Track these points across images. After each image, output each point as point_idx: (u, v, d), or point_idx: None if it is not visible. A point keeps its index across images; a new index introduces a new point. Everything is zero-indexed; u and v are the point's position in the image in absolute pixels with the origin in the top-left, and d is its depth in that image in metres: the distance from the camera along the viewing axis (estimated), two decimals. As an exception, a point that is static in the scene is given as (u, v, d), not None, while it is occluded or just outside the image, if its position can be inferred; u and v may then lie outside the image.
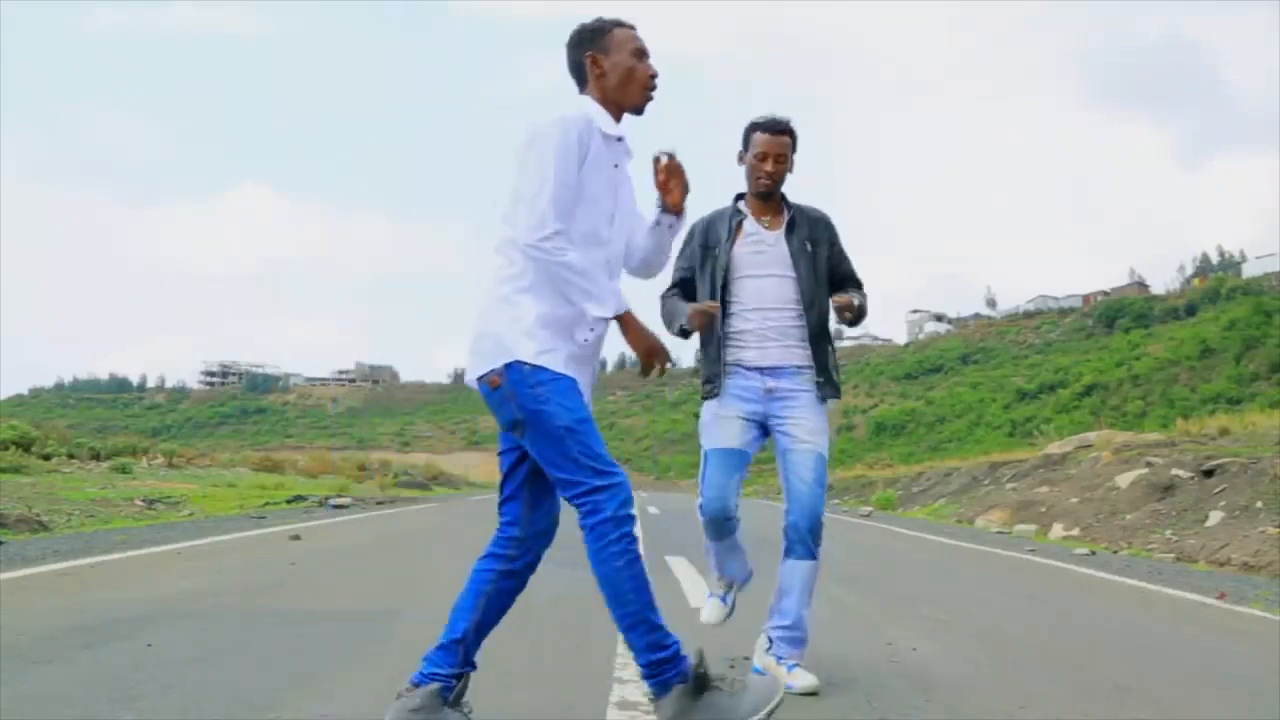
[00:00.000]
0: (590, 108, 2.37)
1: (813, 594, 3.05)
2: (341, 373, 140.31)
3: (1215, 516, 9.74)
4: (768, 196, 3.13)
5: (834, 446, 3.25)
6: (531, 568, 2.44)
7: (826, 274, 3.14)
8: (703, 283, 3.13)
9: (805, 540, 2.99)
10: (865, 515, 16.81)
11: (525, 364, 2.23)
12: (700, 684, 2.22)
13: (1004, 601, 5.70)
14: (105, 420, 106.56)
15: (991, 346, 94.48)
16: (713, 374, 3.10)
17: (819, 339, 3.08)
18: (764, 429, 3.10)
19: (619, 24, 2.45)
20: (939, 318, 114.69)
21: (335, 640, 3.46)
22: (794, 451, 3.02)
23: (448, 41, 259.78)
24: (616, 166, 2.39)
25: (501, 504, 2.42)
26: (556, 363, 2.25)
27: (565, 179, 2.24)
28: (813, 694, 2.85)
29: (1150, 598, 5.94)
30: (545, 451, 2.24)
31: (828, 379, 3.08)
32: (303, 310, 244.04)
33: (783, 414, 3.04)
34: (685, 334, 3.06)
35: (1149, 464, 12.36)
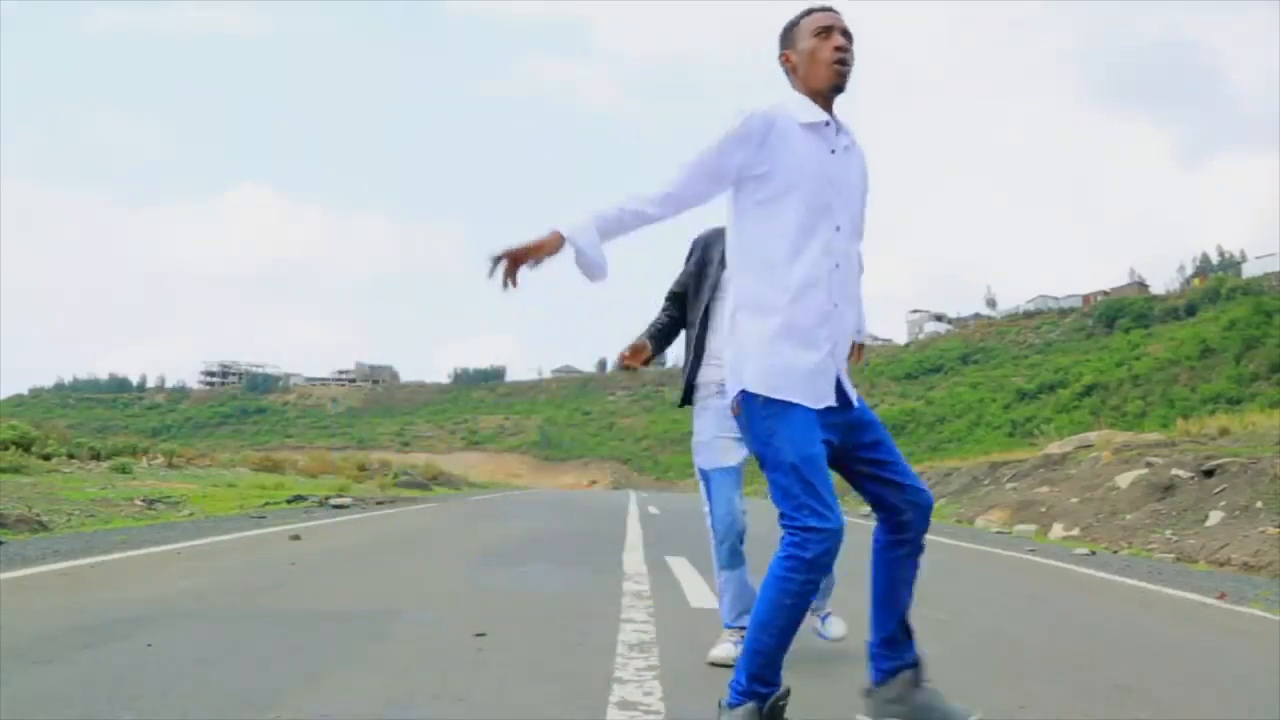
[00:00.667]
0: (788, 101, 2.29)
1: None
2: (341, 373, 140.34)
3: (1215, 516, 9.74)
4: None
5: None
6: (920, 536, 2.43)
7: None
8: (695, 300, 3.32)
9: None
10: (865, 516, 16.82)
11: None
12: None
13: (1004, 601, 5.70)
14: (105, 420, 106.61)
15: (991, 346, 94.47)
16: (693, 386, 3.30)
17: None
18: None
19: (808, 11, 2.34)
20: (939, 318, 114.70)
21: (335, 640, 3.46)
22: None
23: (446, 41, 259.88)
24: (833, 152, 2.27)
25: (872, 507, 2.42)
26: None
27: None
28: (841, 639, 3.34)
29: (1150, 598, 5.94)
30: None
31: None
32: (303, 310, 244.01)
33: None
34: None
35: (1149, 464, 12.36)
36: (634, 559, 6.66)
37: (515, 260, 2.15)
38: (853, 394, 2.31)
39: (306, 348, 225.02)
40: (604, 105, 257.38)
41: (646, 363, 3.37)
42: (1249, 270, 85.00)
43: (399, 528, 10.00)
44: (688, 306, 3.38)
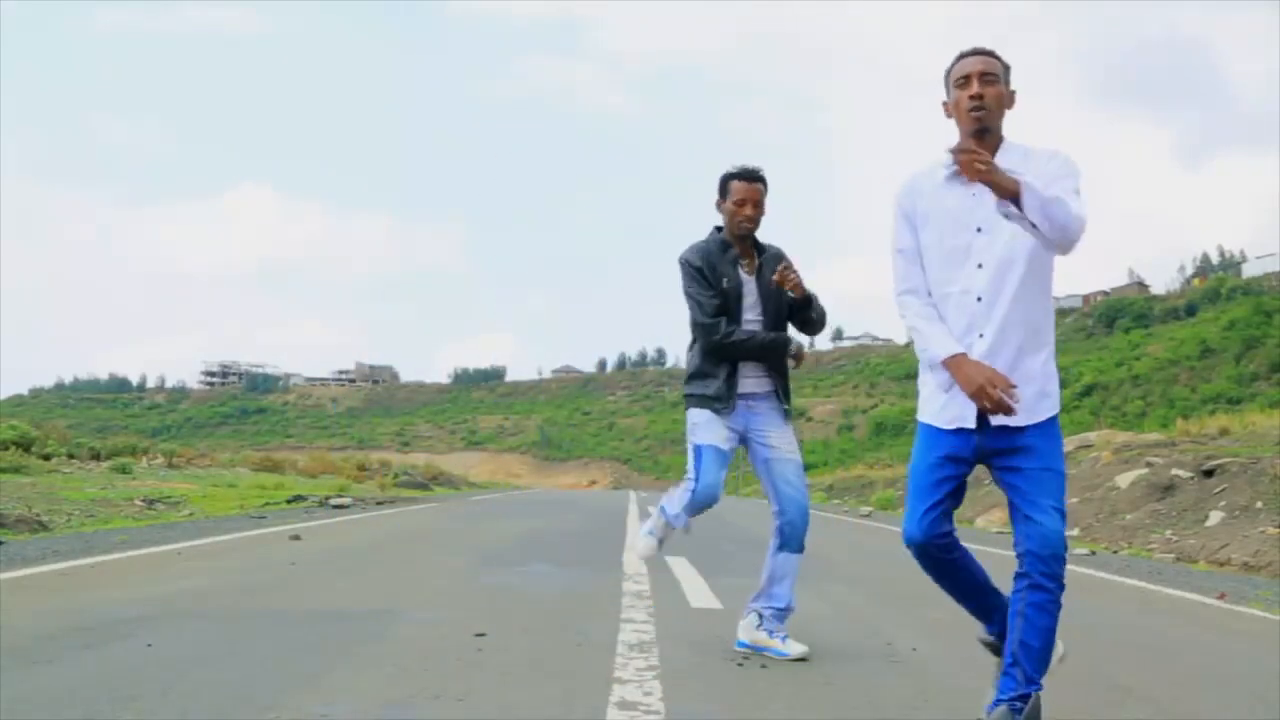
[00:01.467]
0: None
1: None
2: (341, 373, 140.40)
3: (1215, 516, 9.75)
4: (746, 239, 3.46)
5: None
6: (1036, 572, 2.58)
7: (786, 306, 3.49)
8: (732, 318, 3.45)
9: (800, 537, 3.43)
10: (865, 515, 16.81)
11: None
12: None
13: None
14: (105, 420, 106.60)
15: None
16: (720, 395, 3.42)
17: (780, 369, 3.49)
18: (742, 440, 3.49)
19: (955, 59, 2.54)
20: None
21: (335, 640, 3.46)
22: (779, 460, 3.44)
23: (446, 41, 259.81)
24: (974, 194, 2.42)
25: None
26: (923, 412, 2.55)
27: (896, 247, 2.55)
28: (803, 659, 3.29)
29: (1150, 598, 5.94)
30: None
31: (788, 400, 3.52)
32: (303, 310, 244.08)
33: (761, 428, 3.46)
34: (798, 356, 3.52)
35: (1149, 464, 12.36)
36: (634, 559, 6.65)
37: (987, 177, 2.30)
38: (1002, 418, 2.42)
39: (306, 348, 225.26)
40: (604, 105, 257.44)
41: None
42: (1249, 270, 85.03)
43: (399, 528, 10.00)
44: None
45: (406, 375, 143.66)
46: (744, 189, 3.40)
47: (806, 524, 3.44)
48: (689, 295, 3.45)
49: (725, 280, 3.42)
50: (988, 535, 12.09)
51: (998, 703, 2.41)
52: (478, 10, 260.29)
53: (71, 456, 19.88)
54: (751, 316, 3.44)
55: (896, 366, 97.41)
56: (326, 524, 9.75)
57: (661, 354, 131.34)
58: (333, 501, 13.73)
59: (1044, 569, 2.44)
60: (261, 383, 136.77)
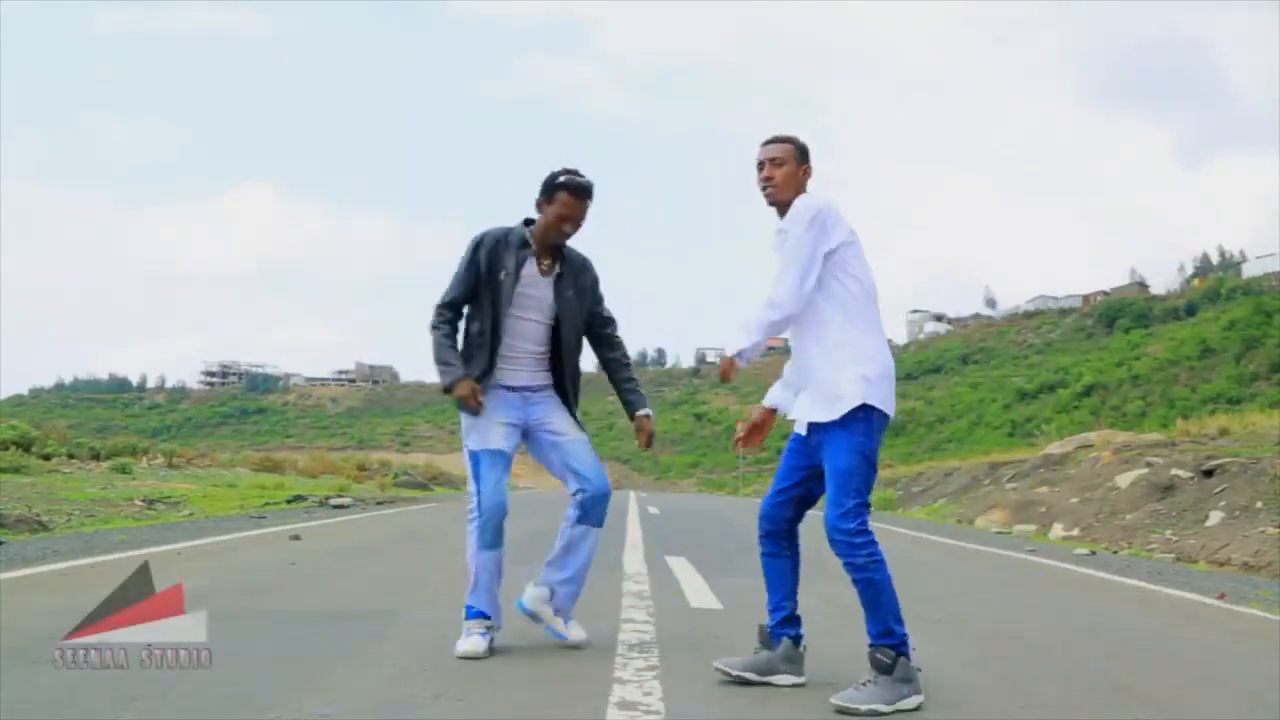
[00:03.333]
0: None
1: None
2: (341, 373, 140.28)
3: (1215, 516, 9.74)
4: (555, 247, 3.38)
5: None
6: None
7: (585, 315, 3.46)
8: (483, 306, 3.32)
9: (601, 511, 3.39)
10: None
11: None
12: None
13: (1004, 601, 5.70)
14: (105, 420, 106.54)
15: (991, 346, 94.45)
16: (480, 372, 3.33)
17: (567, 373, 3.43)
18: (523, 434, 3.42)
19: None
20: (939, 318, 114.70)
21: (335, 640, 3.46)
22: (568, 442, 3.39)
23: (447, 42, 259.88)
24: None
25: None
26: None
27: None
28: (578, 648, 3.31)
29: (1150, 598, 5.94)
30: None
31: (573, 404, 3.48)
32: (303, 310, 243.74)
33: (543, 417, 3.40)
34: (447, 391, 3.32)
35: (1149, 464, 12.36)
36: (634, 559, 6.66)
37: (751, 437, 3.13)
38: (803, 426, 2.93)
39: (306, 348, 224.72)
40: (604, 106, 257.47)
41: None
42: (1249, 270, 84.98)
43: (399, 528, 10.00)
44: (479, 306, 3.34)
45: (406, 375, 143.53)
46: (571, 204, 3.29)
47: (605, 496, 3.38)
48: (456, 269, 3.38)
49: (502, 273, 3.29)
50: (988, 535, 12.09)
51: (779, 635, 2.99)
52: (478, 11, 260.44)
53: (71, 456, 19.89)
54: (538, 318, 3.36)
55: (896, 367, 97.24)
56: (326, 524, 9.75)
57: (661, 354, 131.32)
58: (333, 501, 13.74)
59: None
60: (261, 383, 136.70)
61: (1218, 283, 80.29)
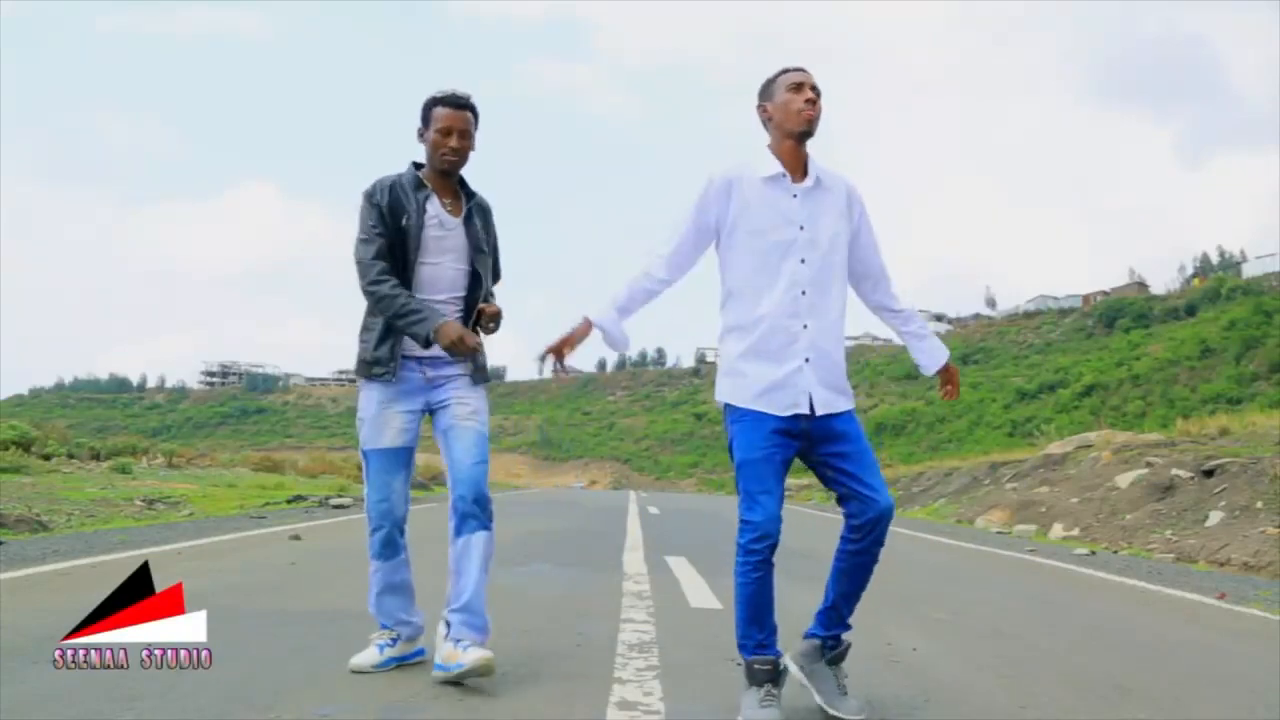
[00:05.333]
0: (752, 158, 2.72)
1: (489, 569, 2.91)
2: (341, 373, 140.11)
3: (1215, 516, 9.74)
4: (449, 174, 3.02)
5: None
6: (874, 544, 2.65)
7: (495, 264, 3.12)
8: (388, 259, 2.95)
9: (475, 513, 2.88)
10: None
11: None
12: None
13: (1004, 601, 5.70)
14: (105, 420, 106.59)
15: (991, 346, 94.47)
16: (380, 358, 2.98)
17: (473, 326, 3.00)
18: (423, 417, 3.04)
19: (782, 71, 2.74)
20: (939, 318, 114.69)
21: (335, 640, 3.46)
22: (456, 429, 2.95)
23: (448, 43, 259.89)
24: (795, 196, 2.66)
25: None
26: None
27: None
28: (484, 674, 2.72)
29: (1150, 598, 5.94)
30: None
31: (479, 366, 3.01)
32: (303, 310, 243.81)
33: (444, 396, 2.99)
34: (428, 344, 2.90)
35: (1149, 464, 12.36)
36: (634, 559, 6.66)
37: (558, 352, 2.67)
38: (827, 405, 2.61)
39: (306, 348, 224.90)
40: (604, 107, 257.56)
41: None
42: (1249, 270, 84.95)
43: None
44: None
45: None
46: (450, 116, 2.94)
47: (478, 497, 2.88)
48: (359, 228, 2.99)
49: (405, 218, 2.93)
50: (988, 535, 12.09)
51: (823, 641, 2.70)
52: (479, 12, 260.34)
53: (71, 456, 19.89)
54: (450, 262, 2.98)
55: (896, 367, 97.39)
56: (326, 524, 9.75)
57: (661, 354, 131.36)
58: (333, 501, 13.73)
59: (877, 536, 2.63)
60: (261, 383, 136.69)
61: (1218, 283, 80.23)
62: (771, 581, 2.57)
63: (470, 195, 3.07)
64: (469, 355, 2.92)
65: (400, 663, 3.01)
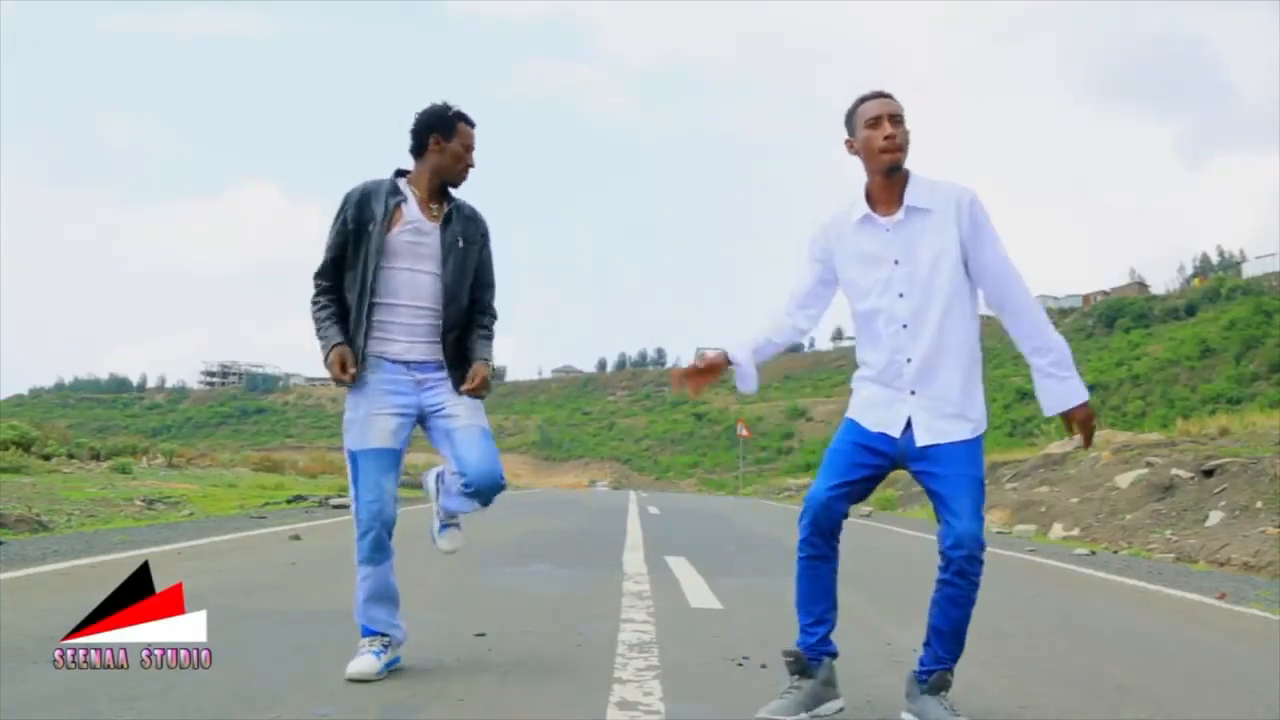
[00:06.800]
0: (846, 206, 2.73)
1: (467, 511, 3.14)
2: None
3: (1215, 516, 9.74)
4: (449, 186, 3.05)
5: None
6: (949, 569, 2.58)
7: (473, 273, 3.06)
8: (354, 264, 2.95)
9: (484, 498, 3.02)
10: (866, 515, 16.81)
11: None
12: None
13: (1004, 601, 5.69)
14: (105, 420, 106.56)
15: (991, 346, 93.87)
16: (363, 358, 2.96)
17: (451, 335, 3.00)
18: (415, 421, 3.03)
19: (859, 101, 2.71)
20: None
21: (335, 640, 3.46)
22: (462, 429, 2.96)
23: (448, 43, 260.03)
24: (887, 231, 2.63)
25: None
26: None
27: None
28: (451, 552, 3.23)
29: (1150, 598, 5.94)
30: None
31: (460, 375, 3.00)
32: (303, 310, 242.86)
33: (439, 401, 2.98)
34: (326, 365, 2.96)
35: (1149, 464, 12.36)
36: (634, 559, 6.66)
37: (695, 383, 2.82)
38: (935, 435, 2.58)
39: (307, 348, 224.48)
40: (606, 108, 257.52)
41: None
42: (1249, 270, 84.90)
43: (399, 528, 9.99)
44: (346, 270, 2.98)
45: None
46: (471, 134, 3.03)
47: (495, 492, 2.99)
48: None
49: (370, 224, 2.92)
50: (988, 535, 12.08)
51: (916, 674, 2.62)
52: (479, 12, 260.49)
53: (71, 456, 19.89)
54: (427, 269, 2.96)
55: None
56: (326, 524, 9.75)
57: (661, 354, 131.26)
58: (333, 501, 13.72)
59: (958, 567, 2.53)
60: (261, 383, 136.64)
61: (1218, 283, 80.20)
62: (822, 572, 2.60)
63: (453, 204, 3.05)
64: (347, 384, 2.96)
65: (391, 667, 2.97)
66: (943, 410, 2.57)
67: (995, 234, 2.61)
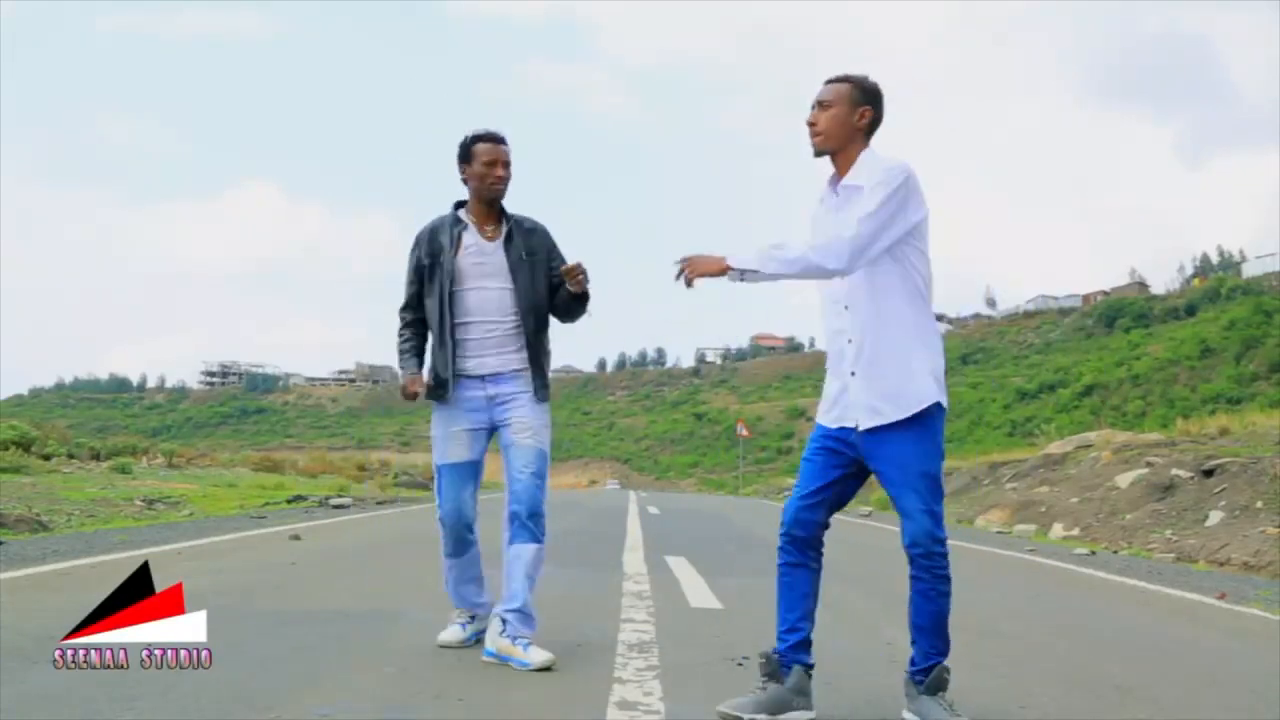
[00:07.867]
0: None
1: (538, 577, 3.25)
2: (341, 373, 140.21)
3: (1215, 516, 9.75)
4: (493, 203, 3.30)
5: (554, 445, 3.43)
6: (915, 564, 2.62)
7: (546, 281, 3.29)
8: (431, 293, 3.29)
9: (527, 526, 3.21)
10: (865, 515, 16.81)
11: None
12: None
13: (1004, 601, 5.70)
14: (105, 420, 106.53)
15: (991, 346, 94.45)
16: (443, 380, 3.26)
17: (535, 345, 3.27)
18: (491, 433, 3.34)
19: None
20: (939, 317, 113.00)
21: (335, 640, 3.46)
22: (516, 446, 3.24)
23: (448, 44, 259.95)
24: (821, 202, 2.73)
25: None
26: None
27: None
28: (548, 669, 3.00)
29: (1150, 598, 5.94)
30: None
31: (543, 381, 3.29)
32: (303, 310, 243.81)
33: (507, 414, 3.26)
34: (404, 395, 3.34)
35: (1149, 464, 12.36)
36: (634, 559, 6.66)
37: (697, 270, 2.56)
38: (866, 415, 2.57)
39: (306, 348, 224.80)
40: (606, 108, 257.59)
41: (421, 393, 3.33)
42: (1249, 270, 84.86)
43: (399, 528, 10.00)
44: (426, 299, 3.33)
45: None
46: (492, 150, 3.26)
47: (532, 513, 3.20)
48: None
49: (441, 254, 3.26)
50: (988, 535, 12.09)
51: (910, 674, 2.61)
52: (479, 12, 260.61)
53: (71, 456, 19.88)
54: (494, 284, 3.24)
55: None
56: (326, 524, 9.75)
57: (661, 354, 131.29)
58: (333, 501, 13.73)
59: (922, 561, 2.57)
60: (261, 383, 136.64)
61: (1218, 283, 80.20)
62: (798, 580, 2.60)
63: (510, 221, 3.31)
64: (437, 398, 3.28)
65: (478, 637, 3.33)
66: (880, 389, 2.56)
67: (877, 195, 2.52)
